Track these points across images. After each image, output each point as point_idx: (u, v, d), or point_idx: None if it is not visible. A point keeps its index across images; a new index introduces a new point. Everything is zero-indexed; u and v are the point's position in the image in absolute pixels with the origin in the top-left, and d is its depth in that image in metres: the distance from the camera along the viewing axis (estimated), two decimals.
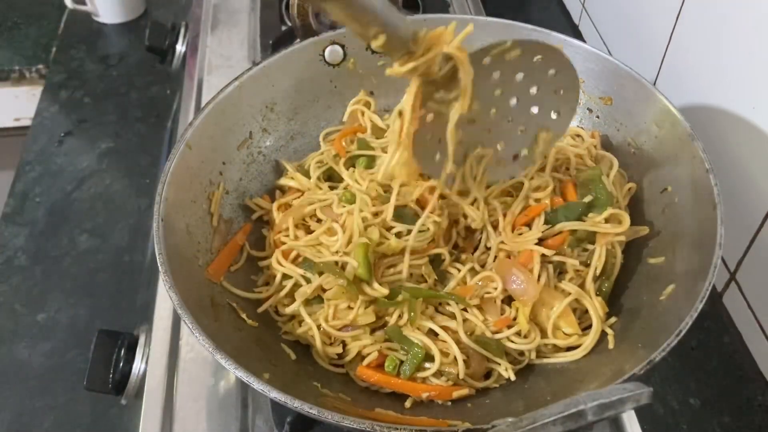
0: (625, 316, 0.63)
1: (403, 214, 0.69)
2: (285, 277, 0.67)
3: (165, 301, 0.75)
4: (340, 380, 0.62)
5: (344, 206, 0.69)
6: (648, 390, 0.39)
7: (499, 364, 0.62)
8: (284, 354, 0.63)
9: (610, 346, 0.60)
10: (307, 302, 0.65)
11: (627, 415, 0.65)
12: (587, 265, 0.66)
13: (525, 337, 0.63)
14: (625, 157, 0.74)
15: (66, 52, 1.29)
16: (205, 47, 1.11)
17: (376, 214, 0.68)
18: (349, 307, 0.63)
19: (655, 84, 0.83)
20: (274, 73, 0.77)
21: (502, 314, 0.64)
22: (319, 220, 0.71)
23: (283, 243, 0.70)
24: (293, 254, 0.69)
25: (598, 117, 0.77)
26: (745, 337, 0.76)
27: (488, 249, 0.68)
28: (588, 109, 0.77)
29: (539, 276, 0.64)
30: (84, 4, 1.32)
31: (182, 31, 1.16)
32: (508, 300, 0.65)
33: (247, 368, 0.51)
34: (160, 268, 0.57)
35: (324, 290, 0.65)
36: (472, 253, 0.69)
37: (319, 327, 0.64)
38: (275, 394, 0.49)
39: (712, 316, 0.78)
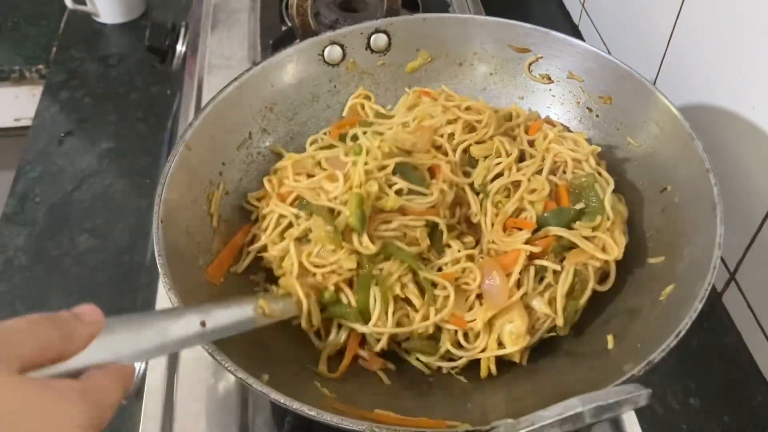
0: (625, 316, 0.63)
1: (410, 174, 0.68)
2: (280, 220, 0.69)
3: (165, 302, 0.74)
4: (339, 381, 0.62)
5: (351, 157, 0.69)
6: (646, 392, 0.39)
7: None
8: (284, 354, 0.63)
9: (610, 346, 0.60)
10: (298, 240, 0.66)
11: (627, 415, 0.65)
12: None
13: (467, 341, 0.64)
14: (624, 156, 0.74)
15: (66, 52, 1.29)
16: (205, 47, 1.11)
17: (382, 168, 0.67)
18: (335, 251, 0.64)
19: (654, 83, 0.82)
20: (274, 73, 0.77)
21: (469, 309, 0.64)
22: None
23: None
24: (291, 198, 0.69)
25: (597, 116, 0.77)
26: (745, 337, 0.76)
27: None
28: (588, 108, 0.77)
29: (521, 281, 0.64)
30: (84, 4, 1.32)
31: (182, 31, 1.16)
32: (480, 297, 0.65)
33: (247, 369, 0.51)
34: (159, 269, 0.57)
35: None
36: (473, 248, 0.68)
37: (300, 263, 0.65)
38: (275, 396, 0.49)
39: (711, 316, 0.78)
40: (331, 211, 0.65)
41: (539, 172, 0.71)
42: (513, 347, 0.62)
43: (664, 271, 0.63)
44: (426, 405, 0.60)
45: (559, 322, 0.64)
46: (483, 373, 0.63)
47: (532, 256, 0.65)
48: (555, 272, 0.65)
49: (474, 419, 0.56)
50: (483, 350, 0.63)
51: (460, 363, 0.64)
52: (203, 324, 0.51)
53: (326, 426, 0.49)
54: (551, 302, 0.64)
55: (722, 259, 0.67)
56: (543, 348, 0.66)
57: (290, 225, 0.68)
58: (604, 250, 0.65)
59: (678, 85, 0.84)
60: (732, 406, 0.72)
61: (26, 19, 1.40)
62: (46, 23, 1.39)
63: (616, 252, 0.65)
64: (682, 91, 0.82)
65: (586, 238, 0.66)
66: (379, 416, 0.55)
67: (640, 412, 0.66)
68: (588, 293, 0.65)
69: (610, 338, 0.61)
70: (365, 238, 0.63)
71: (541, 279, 0.66)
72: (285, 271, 0.66)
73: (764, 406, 0.71)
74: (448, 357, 0.65)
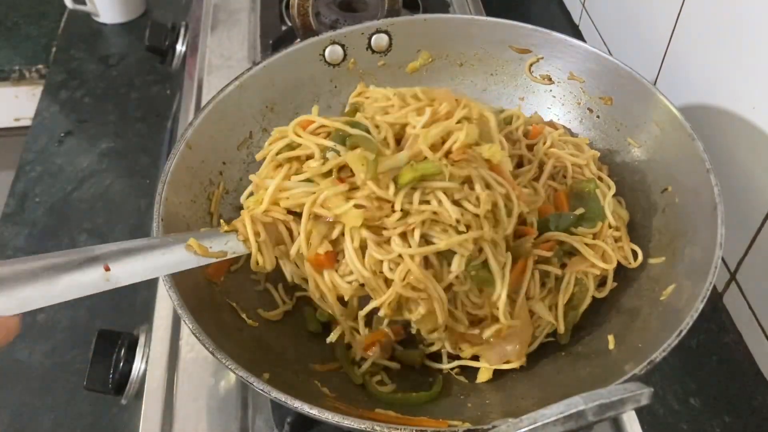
0: (625, 316, 0.63)
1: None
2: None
3: (165, 301, 0.75)
4: (340, 380, 0.62)
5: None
6: (648, 390, 0.39)
7: None
8: (285, 353, 0.63)
9: (611, 346, 0.60)
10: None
11: (627, 415, 0.65)
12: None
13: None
14: (625, 157, 0.74)
15: (66, 52, 1.29)
16: (205, 47, 1.11)
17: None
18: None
19: (655, 84, 0.82)
20: (274, 73, 0.76)
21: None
22: None
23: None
24: (314, 126, 0.61)
25: (598, 117, 0.77)
26: (746, 337, 0.76)
27: None
28: (588, 109, 0.77)
29: (528, 287, 0.64)
30: (84, 4, 1.32)
31: (182, 31, 1.16)
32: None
33: (247, 368, 0.51)
34: None
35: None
36: None
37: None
38: (275, 394, 0.49)
39: (712, 317, 0.78)
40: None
41: (536, 179, 0.71)
42: (514, 360, 0.62)
43: (664, 271, 0.63)
44: (426, 404, 0.60)
45: (561, 329, 0.64)
46: (482, 378, 0.63)
47: (536, 260, 0.65)
48: (557, 277, 0.65)
49: (474, 419, 0.56)
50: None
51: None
52: (107, 269, 0.47)
53: (327, 426, 0.49)
54: (551, 308, 0.64)
55: (723, 260, 0.67)
56: (543, 348, 0.66)
57: (297, 163, 0.60)
58: (603, 257, 0.66)
59: (678, 86, 0.84)
60: (732, 406, 0.72)
61: (26, 18, 1.40)
62: (45, 23, 1.39)
63: (615, 261, 0.65)
64: (683, 92, 0.82)
65: (587, 245, 0.66)
66: (379, 415, 0.55)
67: (640, 412, 0.66)
68: (587, 301, 0.65)
69: (610, 338, 0.61)
70: (400, 198, 0.54)
71: (543, 284, 0.66)
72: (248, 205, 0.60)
73: (764, 407, 0.71)
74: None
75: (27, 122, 1.23)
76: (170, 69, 1.15)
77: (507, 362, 0.62)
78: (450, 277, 0.57)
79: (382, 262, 0.56)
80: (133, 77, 1.24)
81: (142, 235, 0.95)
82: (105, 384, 0.68)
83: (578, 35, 1.16)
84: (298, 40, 0.84)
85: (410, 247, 0.55)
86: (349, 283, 0.58)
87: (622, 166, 0.73)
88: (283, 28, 1.10)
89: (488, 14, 1.13)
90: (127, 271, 0.50)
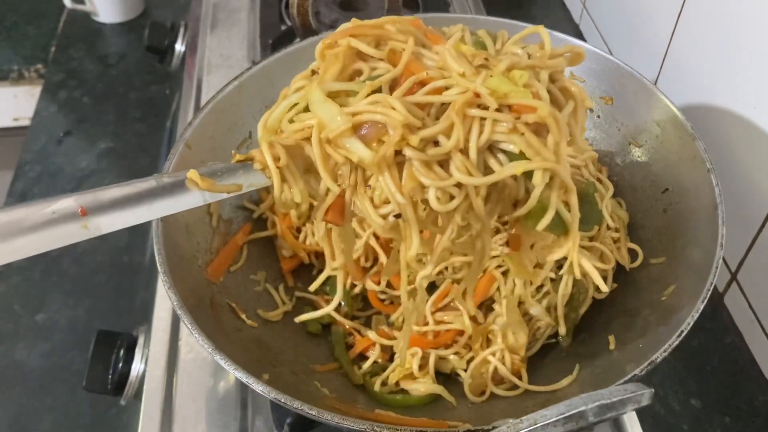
0: (626, 317, 0.63)
1: None
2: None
3: (164, 302, 0.75)
4: (340, 380, 0.62)
5: None
6: (649, 391, 0.39)
7: None
8: (284, 354, 0.62)
9: (611, 346, 0.60)
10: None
11: (628, 415, 0.65)
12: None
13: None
14: (625, 157, 0.74)
15: (65, 51, 1.29)
16: (205, 47, 1.10)
17: None
18: None
19: (656, 84, 0.82)
20: (274, 73, 0.76)
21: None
22: None
23: None
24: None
25: (599, 117, 0.77)
26: (746, 337, 0.76)
27: None
28: (589, 108, 0.77)
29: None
30: (83, 3, 1.32)
31: (181, 30, 1.16)
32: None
33: (247, 369, 0.50)
34: (159, 268, 0.57)
35: None
36: None
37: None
38: (275, 395, 0.49)
39: (713, 317, 0.78)
40: None
41: None
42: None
43: (665, 271, 0.63)
44: (426, 405, 0.60)
45: (562, 330, 0.64)
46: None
47: None
48: (552, 279, 0.65)
49: (474, 419, 0.56)
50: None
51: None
52: (83, 213, 0.39)
53: (326, 426, 0.49)
54: (549, 310, 0.64)
55: (724, 260, 0.67)
56: (544, 348, 0.66)
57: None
58: (601, 258, 0.65)
59: (679, 85, 0.84)
60: (733, 406, 0.72)
61: (25, 18, 1.40)
62: (44, 23, 1.38)
63: (613, 262, 0.65)
64: (684, 91, 0.82)
65: (584, 247, 0.66)
66: (379, 416, 0.55)
67: (641, 413, 0.66)
68: (588, 302, 0.65)
69: (611, 339, 0.61)
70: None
71: (539, 286, 0.66)
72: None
73: (765, 407, 0.71)
74: None
75: (26, 122, 1.22)
76: (169, 69, 1.15)
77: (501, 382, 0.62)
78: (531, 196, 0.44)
79: (424, 187, 0.43)
80: (132, 77, 1.23)
81: (141, 236, 0.95)
82: (104, 384, 0.68)
83: (579, 35, 1.16)
84: (298, 39, 0.83)
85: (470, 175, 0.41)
86: (383, 216, 0.45)
87: (623, 167, 0.73)
88: (283, 27, 1.10)
89: (488, 14, 1.13)
90: (111, 215, 0.42)
